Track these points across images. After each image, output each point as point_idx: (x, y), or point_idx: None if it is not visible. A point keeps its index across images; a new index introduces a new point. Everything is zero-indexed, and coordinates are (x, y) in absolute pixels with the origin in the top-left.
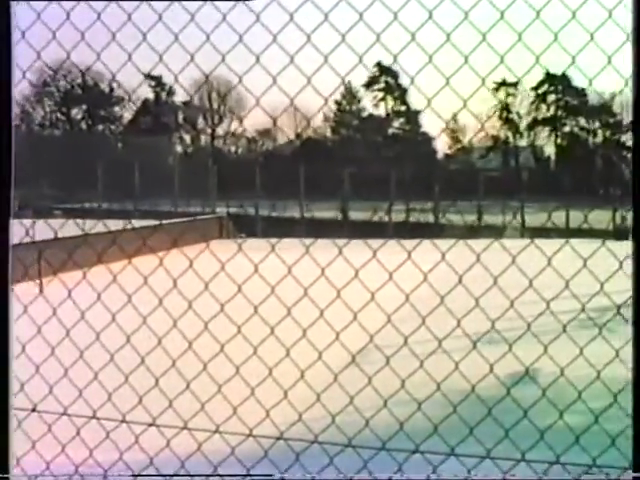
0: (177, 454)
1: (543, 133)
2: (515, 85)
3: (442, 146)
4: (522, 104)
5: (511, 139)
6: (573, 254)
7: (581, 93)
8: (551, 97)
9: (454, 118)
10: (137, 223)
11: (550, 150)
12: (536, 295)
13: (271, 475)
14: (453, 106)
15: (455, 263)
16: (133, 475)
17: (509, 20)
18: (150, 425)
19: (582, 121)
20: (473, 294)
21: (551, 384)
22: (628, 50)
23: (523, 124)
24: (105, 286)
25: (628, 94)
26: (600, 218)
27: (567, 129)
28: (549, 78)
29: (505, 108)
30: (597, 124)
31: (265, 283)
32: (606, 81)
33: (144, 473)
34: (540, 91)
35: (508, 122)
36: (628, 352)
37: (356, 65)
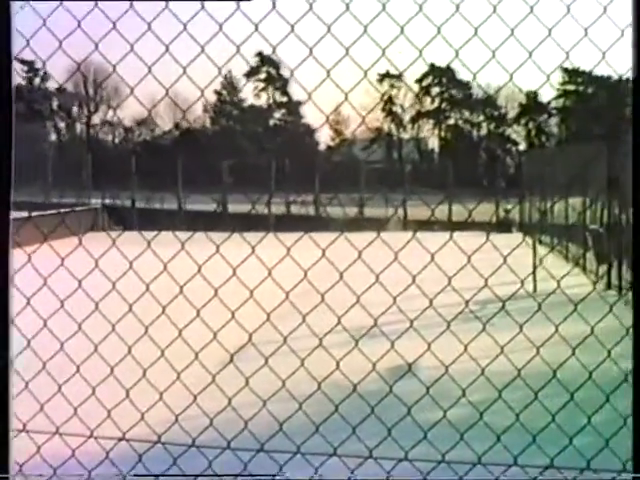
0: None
1: (427, 126)
2: (399, 77)
3: (325, 138)
4: (406, 96)
5: (395, 131)
6: (453, 248)
7: (465, 86)
8: (435, 90)
9: (336, 110)
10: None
11: (434, 143)
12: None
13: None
14: (336, 98)
15: (335, 257)
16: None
17: (393, 13)
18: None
19: (466, 114)
20: (353, 289)
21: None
22: (513, 44)
23: (407, 117)
24: None
25: (512, 87)
26: (483, 211)
27: (451, 122)
28: (433, 70)
29: (389, 100)
30: (481, 117)
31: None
32: (490, 74)
33: None
34: (424, 83)
35: (392, 114)
36: (476, 346)
37: (234, 55)
